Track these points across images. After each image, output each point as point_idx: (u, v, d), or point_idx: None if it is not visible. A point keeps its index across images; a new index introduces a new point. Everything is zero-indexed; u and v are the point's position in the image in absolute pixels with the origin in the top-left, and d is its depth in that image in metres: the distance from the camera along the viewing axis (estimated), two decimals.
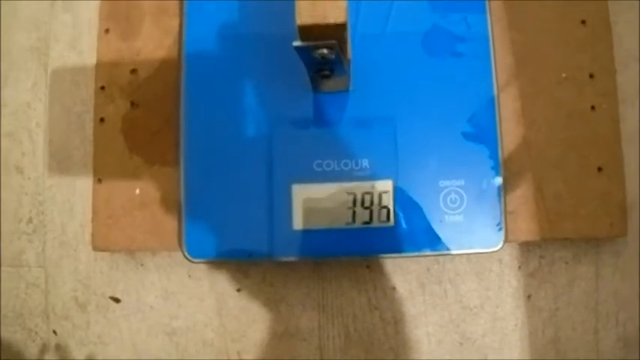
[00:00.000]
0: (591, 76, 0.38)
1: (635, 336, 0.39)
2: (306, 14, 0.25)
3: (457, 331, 0.40)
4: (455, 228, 0.36)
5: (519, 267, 0.40)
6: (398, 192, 0.36)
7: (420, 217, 0.36)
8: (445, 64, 0.37)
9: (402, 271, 0.41)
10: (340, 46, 0.28)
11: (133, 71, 0.40)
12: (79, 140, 0.43)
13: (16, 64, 0.45)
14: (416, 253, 0.36)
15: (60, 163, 0.43)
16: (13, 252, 0.43)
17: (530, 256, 0.40)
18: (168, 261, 0.42)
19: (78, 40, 0.44)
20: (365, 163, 0.36)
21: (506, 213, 0.36)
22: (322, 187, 0.36)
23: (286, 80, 0.37)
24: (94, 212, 0.39)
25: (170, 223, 0.38)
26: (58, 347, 0.42)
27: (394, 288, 0.41)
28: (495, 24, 0.38)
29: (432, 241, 0.36)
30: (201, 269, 0.41)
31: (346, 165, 0.36)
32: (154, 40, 0.40)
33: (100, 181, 0.39)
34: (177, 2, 0.40)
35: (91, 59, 0.42)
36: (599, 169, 0.37)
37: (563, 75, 0.38)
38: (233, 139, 0.37)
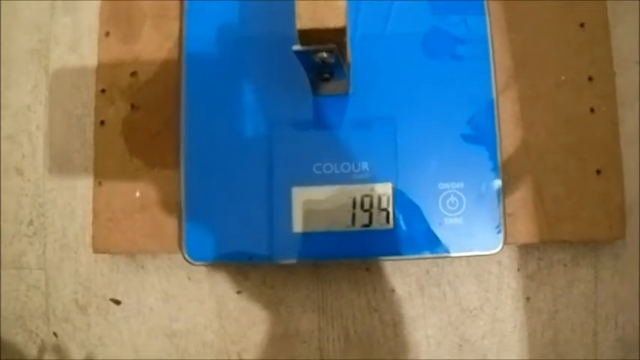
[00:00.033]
0: (590, 78, 0.38)
1: (634, 338, 0.39)
2: (306, 19, 0.26)
3: (456, 333, 0.40)
4: (454, 230, 0.36)
5: (518, 269, 0.40)
6: (397, 195, 0.36)
7: (420, 219, 0.36)
8: (444, 66, 0.37)
9: (402, 274, 0.41)
10: (340, 50, 0.28)
11: (134, 74, 0.40)
12: (80, 143, 0.43)
13: (16, 66, 0.45)
14: (415, 256, 0.36)
15: (60, 165, 0.43)
16: (13, 254, 0.43)
17: (530, 259, 0.40)
18: (169, 263, 0.42)
19: (78, 42, 0.44)
20: (364, 165, 0.36)
21: (505, 215, 0.36)
22: (322, 189, 0.36)
23: (286, 83, 0.37)
24: (95, 215, 0.39)
25: (170, 226, 0.38)
26: (59, 349, 0.43)
27: (393, 290, 0.41)
28: (494, 26, 0.38)
29: (432, 243, 0.36)
30: (201, 272, 0.41)
31: (346, 168, 0.36)
32: (154, 43, 0.40)
33: (100, 183, 0.39)
34: (178, 5, 0.40)
35: (91, 62, 0.42)
36: (598, 171, 0.37)
37: (562, 78, 0.38)
38: (233, 142, 0.37)
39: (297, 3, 0.25)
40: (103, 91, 0.40)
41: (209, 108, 0.38)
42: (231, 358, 0.41)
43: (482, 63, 0.37)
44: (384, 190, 0.36)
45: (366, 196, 0.36)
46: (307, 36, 0.26)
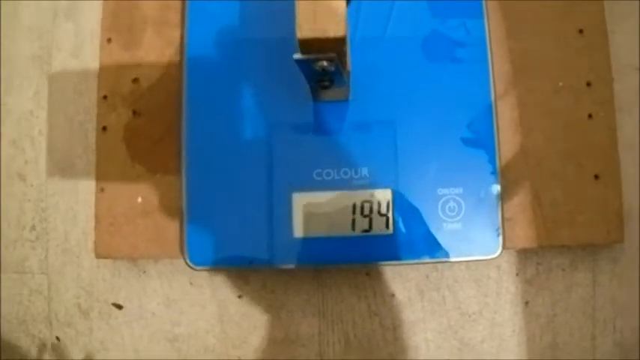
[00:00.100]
0: (588, 84, 0.39)
1: (632, 342, 0.39)
2: (306, 28, 0.26)
3: (456, 337, 0.41)
4: (453, 235, 0.36)
5: (517, 274, 0.40)
6: (397, 200, 0.36)
7: (419, 225, 0.36)
8: (443, 69, 0.37)
9: (401, 278, 0.41)
10: (340, 59, 0.28)
11: (135, 80, 0.40)
12: (82, 148, 0.43)
13: (18, 72, 0.45)
14: (415, 261, 0.36)
15: (63, 170, 0.43)
16: (16, 259, 0.44)
17: (528, 263, 0.40)
18: (170, 268, 0.42)
19: (80, 48, 0.44)
20: (364, 171, 0.36)
21: (504, 220, 0.36)
22: (322, 195, 0.36)
23: (286, 89, 0.37)
24: (97, 220, 0.39)
25: (172, 231, 0.38)
26: (61, 353, 0.43)
27: (393, 295, 0.41)
28: (493, 32, 0.38)
29: (431, 248, 0.36)
30: (202, 276, 0.42)
31: (346, 173, 0.36)
32: (156, 50, 0.40)
33: (102, 189, 0.39)
34: (179, 12, 0.40)
35: (93, 68, 0.42)
36: (596, 176, 0.38)
37: (560, 84, 0.39)
38: (234, 148, 0.37)
39: (297, 13, 0.26)
40: (104, 97, 0.40)
41: (210, 114, 0.38)
42: None
43: (480, 66, 0.37)
44: (383, 195, 0.36)
45: (366, 201, 0.36)
46: (308, 45, 0.27)
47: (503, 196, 0.37)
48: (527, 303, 0.40)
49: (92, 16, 0.44)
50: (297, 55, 0.28)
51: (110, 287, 0.43)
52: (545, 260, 0.40)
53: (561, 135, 0.38)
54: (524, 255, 0.40)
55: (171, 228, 0.38)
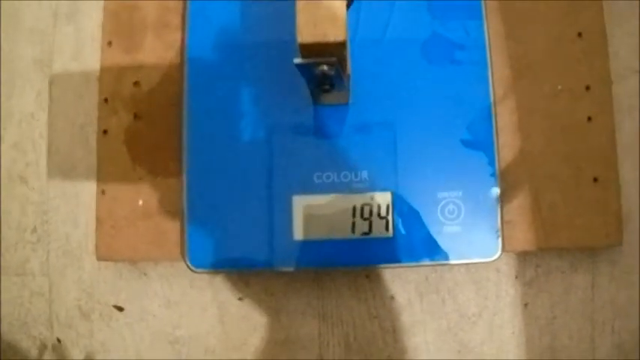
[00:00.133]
0: (587, 87, 0.39)
1: (631, 344, 0.40)
2: (307, 33, 0.26)
3: (455, 340, 0.41)
4: (453, 238, 0.36)
5: (516, 276, 0.41)
6: (397, 203, 0.36)
7: (419, 227, 0.36)
8: (443, 71, 0.38)
9: (401, 281, 0.41)
10: (340, 63, 0.29)
11: (136, 84, 0.40)
12: (83, 151, 0.43)
13: (19, 75, 0.45)
14: (414, 263, 0.36)
15: (64, 173, 0.43)
16: (17, 261, 0.44)
17: (527, 266, 0.41)
18: (171, 271, 0.42)
19: (81, 52, 0.44)
20: (364, 174, 0.37)
21: (503, 223, 0.36)
22: (322, 198, 0.36)
23: (287, 92, 0.37)
24: (98, 222, 0.39)
25: (173, 234, 0.38)
26: (62, 355, 0.43)
27: (393, 297, 0.41)
28: (493, 35, 0.39)
29: (431, 251, 0.36)
30: (203, 279, 0.42)
31: (346, 176, 0.37)
32: (157, 53, 0.41)
33: (103, 191, 0.40)
34: (180, 15, 0.40)
35: (94, 71, 0.42)
36: (595, 179, 0.38)
37: (560, 86, 0.39)
38: (234, 151, 0.38)
39: (297, 17, 0.26)
40: (105, 100, 0.41)
41: (211, 117, 0.38)
42: None
43: (480, 68, 0.38)
44: (383, 198, 0.36)
45: (366, 204, 0.36)
46: (308, 49, 0.27)
47: (502, 199, 0.37)
48: (526, 305, 0.40)
49: (93, 19, 0.44)
50: (298, 60, 0.28)
51: (111, 289, 0.43)
52: (544, 263, 0.40)
53: (560, 138, 0.38)
54: (524, 257, 0.41)
55: (172, 230, 0.38)
